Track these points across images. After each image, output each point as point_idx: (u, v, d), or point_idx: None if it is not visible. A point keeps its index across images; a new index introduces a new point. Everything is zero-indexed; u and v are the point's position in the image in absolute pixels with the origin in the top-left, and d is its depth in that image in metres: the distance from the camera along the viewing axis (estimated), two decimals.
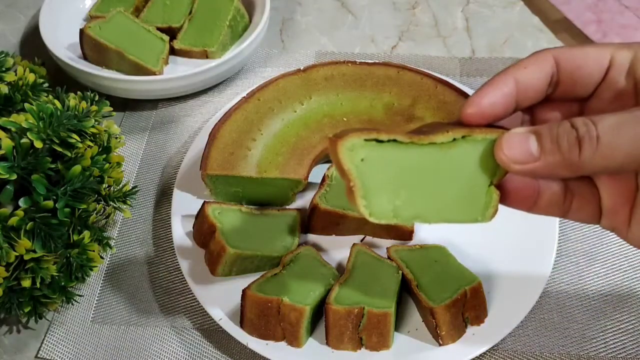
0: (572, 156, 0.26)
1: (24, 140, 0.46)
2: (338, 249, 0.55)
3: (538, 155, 0.27)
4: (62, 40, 0.72)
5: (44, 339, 0.53)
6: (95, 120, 0.51)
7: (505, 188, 0.30)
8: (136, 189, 0.58)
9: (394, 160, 0.28)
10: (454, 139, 0.28)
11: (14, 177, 0.45)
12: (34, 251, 0.46)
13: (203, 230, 0.53)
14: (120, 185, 0.56)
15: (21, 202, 0.46)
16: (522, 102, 0.30)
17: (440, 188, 0.29)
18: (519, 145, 0.27)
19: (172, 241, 0.56)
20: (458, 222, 0.29)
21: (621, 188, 0.29)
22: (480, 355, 0.48)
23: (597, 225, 0.56)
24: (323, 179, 0.56)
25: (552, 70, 0.30)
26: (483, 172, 0.28)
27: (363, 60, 0.64)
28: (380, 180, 0.28)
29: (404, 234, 0.55)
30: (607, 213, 0.29)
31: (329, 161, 0.61)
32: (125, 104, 0.71)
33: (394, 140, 0.27)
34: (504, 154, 0.27)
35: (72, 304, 0.54)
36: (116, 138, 0.55)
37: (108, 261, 0.58)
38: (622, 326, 0.51)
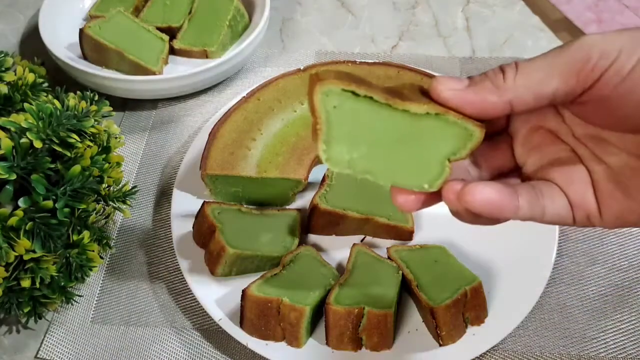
0: (496, 80, 0.28)
1: (23, 140, 0.46)
2: (338, 249, 0.55)
3: (467, 84, 0.29)
4: (61, 40, 0.72)
5: (43, 339, 0.53)
6: (95, 120, 0.51)
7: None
8: (136, 189, 0.58)
9: (364, 115, 0.28)
10: (427, 113, 0.29)
11: (14, 177, 0.45)
12: (34, 251, 0.46)
13: (203, 230, 0.53)
14: (120, 185, 0.56)
15: (21, 202, 0.46)
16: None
17: (400, 153, 0.29)
18: (452, 79, 0.29)
19: (172, 241, 0.56)
20: (405, 186, 0.30)
21: (577, 177, 0.30)
22: (481, 355, 0.48)
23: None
24: (323, 179, 0.56)
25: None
26: (443, 149, 0.29)
27: (363, 60, 0.64)
28: (345, 131, 0.29)
29: (404, 234, 0.54)
30: (576, 204, 0.30)
31: None
32: (125, 104, 0.71)
33: (370, 98, 0.28)
34: (437, 82, 0.29)
35: (72, 304, 0.54)
36: (116, 138, 0.55)
37: (108, 261, 0.58)
38: (622, 326, 0.51)
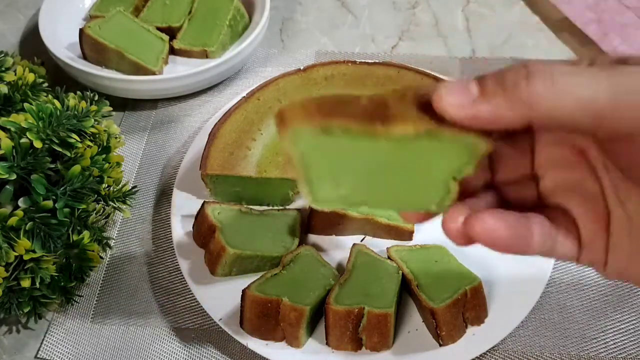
0: (517, 90, 0.22)
1: (23, 140, 0.46)
2: (338, 249, 0.55)
3: (478, 94, 0.23)
4: (61, 40, 0.72)
5: (43, 339, 0.53)
6: (95, 120, 0.51)
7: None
8: (136, 189, 0.58)
9: (343, 149, 0.25)
10: (417, 135, 0.24)
11: (14, 177, 0.45)
12: (34, 251, 0.46)
13: (203, 230, 0.53)
14: (120, 185, 0.56)
15: (21, 202, 0.46)
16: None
17: (395, 179, 0.26)
18: (458, 89, 0.23)
19: (171, 241, 0.56)
20: (410, 210, 0.27)
21: (594, 214, 0.26)
22: (481, 355, 0.48)
23: None
24: None
25: None
26: (445, 169, 0.25)
27: (363, 60, 0.64)
28: (326, 169, 0.25)
29: (404, 234, 0.54)
30: (586, 244, 0.26)
31: None
32: (124, 104, 0.71)
33: (347, 129, 0.24)
34: (440, 96, 0.23)
35: (72, 304, 0.54)
36: (116, 138, 0.55)
37: (108, 261, 0.58)
38: (622, 326, 0.51)
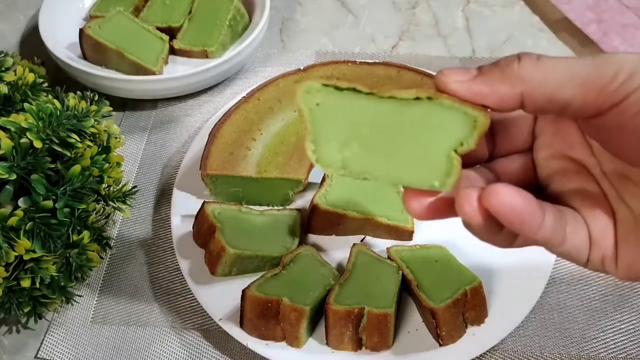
0: (509, 68, 0.25)
1: (23, 140, 0.46)
2: (338, 249, 0.55)
3: (476, 74, 0.26)
4: (61, 40, 0.72)
5: (43, 339, 0.53)
6: (95, 120, 0.51)
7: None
8: (136, 189, 0.58)
9: (350, 109, 0.26)
10: (417, 98, 0.26)
11: (14, 177, 0.45)
12: (34, 251, 0.46)
13: (203, 230, 0.53)
14: (120, 185, 0.56)
15: (21, 202, 0.46)
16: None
17: (397, 147, 0.27)
18: (459, 69, 0.26)
19: (171, 241, 0.56)
20: (411, 185, 0.27)
21: (601, 213, 0.27)
22: (480, 355, 0.48)
23: None
24: (323, 179, 0.56)
25: None
26: (446, 140, 0.26)
27: (363, 60, 0.64)
28: (333, 128, 0.27)
29: (404, 234, 0.54)
30: (596, 240, 0.27)
31: None
32: (124, 104, 0.71)
33: (354, 89, 0.26)
34: (442, 74, 0.26)
35: (72, 304, 0.54)
36: (116, 138, 0.55)
37: (108, 261, 0.58)
38: (622, 326, 0.51)
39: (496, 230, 0.26)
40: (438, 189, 0.26)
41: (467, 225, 0.27)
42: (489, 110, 0.26)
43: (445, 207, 0.27)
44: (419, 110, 0.26)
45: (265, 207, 0.58)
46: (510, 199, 0.24)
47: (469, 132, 0.26)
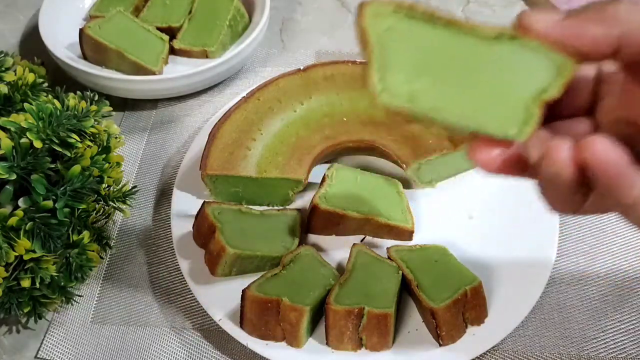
0: (606, 10, 0.22)
1: (23, 140, 0.46)
2: (338, 249, 0.55)
3: (565, 16, 0.23)
4: (61, 40, 0.72)
5: (43, 339, 0.53)
6: (95, 120, 0.51)
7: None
8: (136, 189, 0.58)
9: (423, 38, 0.24)
10: (500, 35, 0.23)
11: (14, 177, 0.45)
12: (34, 251, 0.46)
13: (203, 230, 0.53)
14: (120, 185, 0.56)
15: (21, 202, 0.46)
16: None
17: (471, 86, 0.24)
18: (544, 10, 0.24)
19: (172, 241, 0.56)
20: (484, 129, 0.24)
21: None
22: (480, 355, 0.48)
23: (597, 227, 0.56)
24: (323, 179, 0.56)
25: None
26: (527, 85, 0.24)
27: (363, 60, 0.64)
28: (402, 57, 0.24)
29: (404, 234, 0.54)
30: None
31: (329, 161, 0.61)
32: (124, 104, 0.71)
33: (430, 17, 0.23)
34: (526, 15, 0.24)
35: (72, 304, 0.54)
36: (116, 138, 0.55)
37: (108, 261, 0.58)
38: (622, 326, 0.51)
39: (577, 188, 0.24)
40: (513, 137, 0.24)
41: (547, 181, 0.24)
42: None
43: (514, 160, 0.25)
44: (500, 50, 0.24)
45: (265, 207, 0.58)
46: (611, 153, 0.22)
47: (552, 79, 0.24)
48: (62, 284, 0.50)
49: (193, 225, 0.55)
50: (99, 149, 0.52)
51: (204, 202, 0.54)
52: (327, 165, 0.58)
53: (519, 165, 0.25)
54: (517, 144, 0.25)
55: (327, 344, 0.48)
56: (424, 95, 0.24)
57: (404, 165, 0.56)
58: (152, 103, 0.72)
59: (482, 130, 0.24)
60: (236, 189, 0.57)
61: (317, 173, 0.58)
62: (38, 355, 0.52)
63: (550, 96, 0.24)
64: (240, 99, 0.61)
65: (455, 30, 0.24)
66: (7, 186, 0.46)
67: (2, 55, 0.58)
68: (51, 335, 0.53)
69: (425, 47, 0.24)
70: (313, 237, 0.56)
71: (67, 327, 0.54)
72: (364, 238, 0.56)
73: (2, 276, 0.46)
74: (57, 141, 0.47)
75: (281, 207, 0.58)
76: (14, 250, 0.45)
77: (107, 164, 0.52)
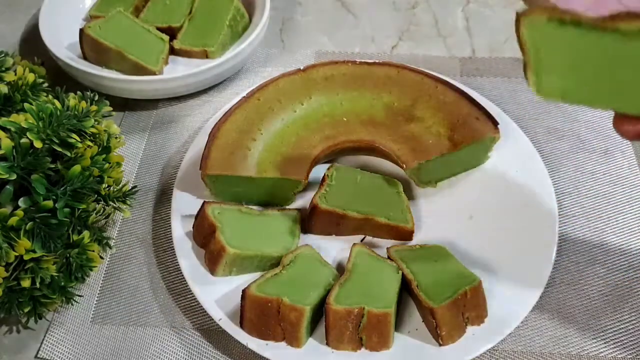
0: None
1: (23, 140, 0.46)
2: (338, 249, 0.55)
3: None
4: (62, 40, 0.72)
5: (43, 339, 0.53)
6: (95, 120, 0.51)
7: None
8: (136, 189, 0.58)
9: (572, 42, 0.28)
10: None
11: (14, 177, 0.45)
12: (34, 251, 0.46)
13: (203, 230, 0.53)
14: (120, 185, 0.56)
15: (21, 202, 0.46)
16: None
17: (618, 78, 0.28)
18: None
19: (172, 241, 0.56)
20: (627, 110, 0.28)
21: None
22: (480, 355, 0.48)
23: (597, 227, 0.56)
24: (323, 179, 0.56)
25: None
26: None
27: (363, 60, 0.64)
28: (554, 60, 0.28)
29: (404, 234, 0.54)
30: None
31: (329, 161, 0.61)
32: (125, 104, 0.71)
33: (577, 22, 0.27)
34: None
35: (72, 304, 0.54)
36: (116, 138, 0.55)
37: (108, 261, 0.58)
38: (622, 326, 0.51)
39: None
40: None
41: None
42: None
43: None
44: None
45: (265, 207, 0.58)
46: None
47: None
48: (62, 284, 0.50)
49: (193, 225, 0.55)
50: (99, 149, 0.52)
51: (204, 202, 0.54)
52: (327, 165, 0.58)
53: None
54: None
55: (327, 344, 0.48)
56: (575, 90, 0.29)
57: (404, 165, 0.56)
58: (152, 103, 0.72)
59: (627, 112, 0.28)
60: (236, 189, 0.57)
61: (317, 173, 0.58)
62: (38, 355, 0.52)
63: None
64: (241, 99, 0.61)
65: (601, 30, 0.27)
66: (7, 186, 0.46)
67: (2, 55, 0.58)
68: (51, 335, 0.53)
69: (573, 49, 0.28)
70: (313, 237, 0.56)
71: (67, 327, 0.54)
72: (364, 238, 0.56)
73: (2, 276, 0.46)
74: (57, 141, 0.47)
75: (281, 207, 0.58)
76: (14, 250, 0.45)
77: (107, 164, 0.52)
